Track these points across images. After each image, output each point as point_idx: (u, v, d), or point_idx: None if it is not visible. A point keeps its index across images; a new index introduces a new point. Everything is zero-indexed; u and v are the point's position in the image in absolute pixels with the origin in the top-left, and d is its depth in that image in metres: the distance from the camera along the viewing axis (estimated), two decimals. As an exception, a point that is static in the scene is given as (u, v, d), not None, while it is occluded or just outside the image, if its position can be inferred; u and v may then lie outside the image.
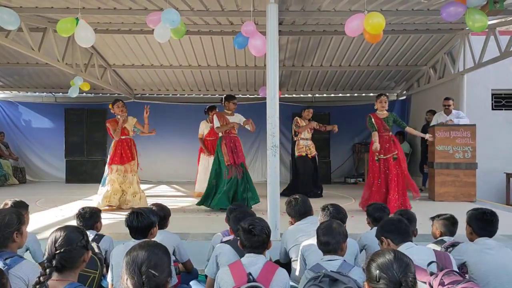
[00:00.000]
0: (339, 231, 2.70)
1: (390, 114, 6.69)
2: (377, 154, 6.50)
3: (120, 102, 6.89)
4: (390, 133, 6.65)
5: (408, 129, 7.00)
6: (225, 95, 7.07)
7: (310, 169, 8.27)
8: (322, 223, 2.86)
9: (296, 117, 8.49)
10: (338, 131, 8.16)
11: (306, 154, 8.27)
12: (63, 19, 5.37)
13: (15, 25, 5.32)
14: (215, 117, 6.88)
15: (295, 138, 8.44)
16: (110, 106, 6.94)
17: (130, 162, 6.79)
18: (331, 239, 2.67)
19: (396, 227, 2.80)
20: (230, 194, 6.56)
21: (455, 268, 2.72)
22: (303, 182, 8.14)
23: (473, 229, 3.14)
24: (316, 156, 8.50)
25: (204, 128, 8.55)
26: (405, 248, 2.64)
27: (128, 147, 6.83)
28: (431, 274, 2.40)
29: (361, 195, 6.79)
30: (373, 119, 6.60)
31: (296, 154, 8.35)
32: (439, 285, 2.26)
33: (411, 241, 2.77)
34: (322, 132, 9.73)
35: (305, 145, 8.28)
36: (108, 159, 6.88)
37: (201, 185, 8.44)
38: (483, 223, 3.10)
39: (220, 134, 6.87)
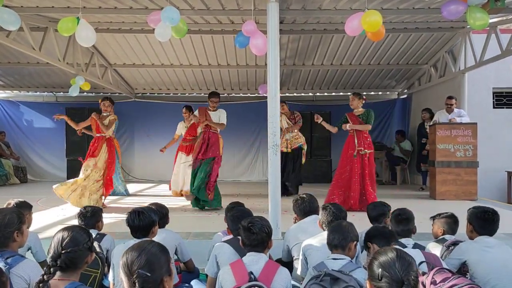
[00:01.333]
0: (348, 230, 2.72)
1: (365, 111, 6.75)
2: (361, 149, 6.56)
3: (107, 101, 6.96)
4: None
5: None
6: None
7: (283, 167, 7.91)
8: (332, 223, 2.90)
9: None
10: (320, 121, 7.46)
11: (286, 151, 8.11)
12: (64, 18, 5.36)
13: (15, 25, 5.31)
14: (197, 111, 7.02)
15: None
16: (99, 101, 7.06)
17: (92, 158, 6.73)
18: (338, 236, 2.68)
19: (380, 232, 2.91)
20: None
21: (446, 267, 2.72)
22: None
23: (473, 227, 3.14)
24: (301, 147, 8.31)
25: (181, 129, 8.57)
26: None
27: (97, 144, 6.84)
28: (423, 274, 2.40)
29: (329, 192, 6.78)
30: (348, 117, 6.77)
31: None
32: (431, 284, 2.26)
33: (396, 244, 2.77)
34: (323, 130, 9.68)
35: (287, 139, 8.21)
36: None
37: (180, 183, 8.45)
38: (484, 222, 3.10)
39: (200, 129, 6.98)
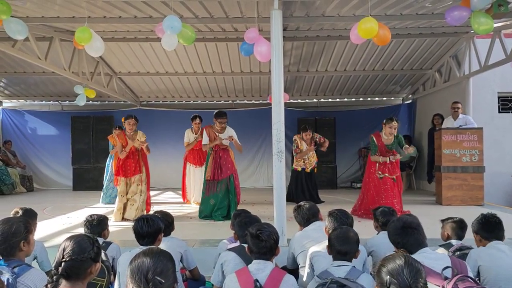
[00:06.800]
0: (355, 240, 2.71)
1: (395, 140, 6.56)
2: (379, 172, 6.52)
3: (133, 119, 6.58)
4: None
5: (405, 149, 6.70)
6: (215, 112, 6.88)
7: (301, 184, 8.23)
8: (336, 230, 2.82)
9: (295, 137, 8.34)
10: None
11: (303, 169, 8.23)
12: (79, 28, 5.34)
13: (23, 34, 5.36)
14: (204, 132, 6.78)
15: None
16: (122, 120, 6.76)
17: (135, 176, 6.53)
18: (349, 248, 2.67)
19: (414, 238, 2.67)
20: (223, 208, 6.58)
21: (471, 276, 2.68)
22: (298, 195, 8.04)
23: (479, 234, 3.11)
24: (315, 166, 8.41)
25: (189, 136, 8.48)
26: (422, 252, 2.60)
27: (134, 159, 6.54)
28: (445, 278, 2.37)
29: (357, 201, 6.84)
30: (375, 141, 6.55)
31: (293, 166, 8.41)
32: None
33: (427, 246, 2.71)
34: (328, 137, 9.70)
35: (304, 159, 8.27)
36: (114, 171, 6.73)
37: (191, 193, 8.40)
38: (484, 225, 3.09)
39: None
